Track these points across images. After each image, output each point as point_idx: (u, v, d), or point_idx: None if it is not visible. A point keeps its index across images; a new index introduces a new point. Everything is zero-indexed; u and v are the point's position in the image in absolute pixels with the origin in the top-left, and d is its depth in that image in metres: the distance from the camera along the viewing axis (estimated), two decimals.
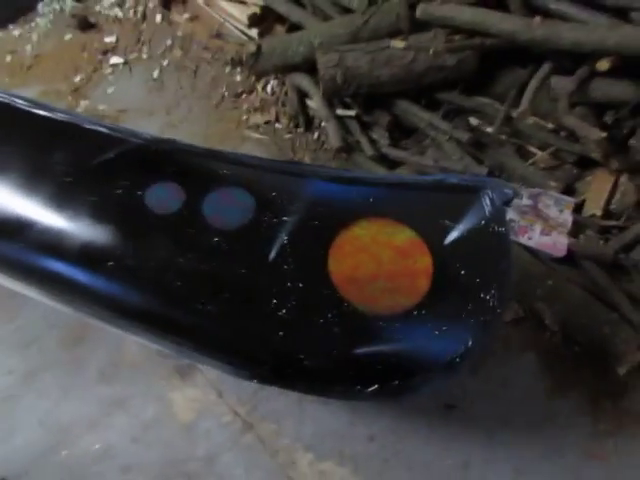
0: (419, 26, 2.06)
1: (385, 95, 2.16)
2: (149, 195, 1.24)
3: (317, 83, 2.31)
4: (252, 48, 2.29)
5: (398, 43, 1.86)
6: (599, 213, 1.78)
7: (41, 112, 1.38)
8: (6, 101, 1.36)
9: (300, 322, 1.10)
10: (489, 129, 2.05)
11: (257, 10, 2.55)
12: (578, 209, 1.83)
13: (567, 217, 1.78)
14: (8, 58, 3.15)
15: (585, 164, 1.90)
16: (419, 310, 1.06)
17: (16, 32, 3.29)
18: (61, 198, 1.24)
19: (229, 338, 1.11)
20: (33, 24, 3.32)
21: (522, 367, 1.65)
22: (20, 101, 1.37)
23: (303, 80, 2.32)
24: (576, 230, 1.78)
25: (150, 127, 2.64)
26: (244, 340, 1.10)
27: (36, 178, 1.28)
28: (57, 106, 1.40)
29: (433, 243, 1.12)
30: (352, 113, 2.16)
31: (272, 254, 1.11)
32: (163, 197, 1.23)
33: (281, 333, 1.07)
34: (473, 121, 2.13)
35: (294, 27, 2.65)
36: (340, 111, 2.21)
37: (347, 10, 2.18)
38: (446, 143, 2.10)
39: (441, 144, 2.13)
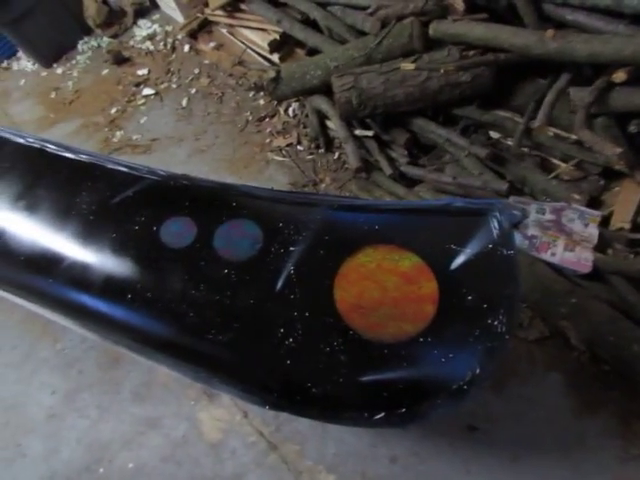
0: (432, 44, 2.07)
1: (402, 114, 2.17)
2: (164, 230, 1.31)
3: (335, 105, 2.35)
4: (272, 74, 2.36)
5: (408, 65, 1.87)
6: (627, 226, 1.71)
7: (68, 155, 1.47)
8: (38, 146, 1.47)
9: (307, 351, 1.13)
10: (509, 143, 2.02)
11: (277, 36, 2.63)
12: (605, 222, 1.77)
13: (592, 231, 1.73)
14: (52, 94, 3.37)
15: (611, 175, 1.84)
16: (425, 336, 1.07)
17: (59, 70, 3.53)
18: (86, 235, 1.33)
19: (240, 366, 1.15)
20: (74, 61, 3.54)
21: (548, 387, 1.61)
22: (50, 145, 1.48)
23: (322, 102, 2.37)
24: (603, 244, 1.72)
25: (180, 153, 2.77)
26: (254, 368, 1.14)
27: (64, 218, 1.37)
28: (84, 147, 1.49)
29: (439, 268, 1.12)
30: (370, 133, 2.19)
31: (279, 284, 1.15)
32: (176, 231, 1.30)
33: (289, 362, 1.09)
34: (493, 134, 2.11)
35: (313, 51, 2.72)
36: (358, 131, 2.24)
37: (361, 33, 2.21)
38: (465, 159, 2.09)
39: (460, 160, 2.12)
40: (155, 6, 3.54)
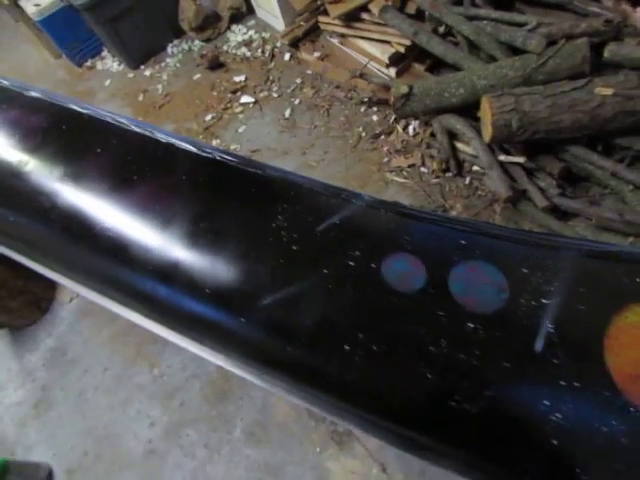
0: (602, 67, 1.87)
1: (555, 141, 1.96)
2: (386, 268, 1.09)
3: (472, 126, 2.15)
4: (404, 89, 2.18)
5: (605, 90, 1.66)
6: None
7: (252, 170, 1.28)
8: (217, 158, 1.28)
9: (578, 429, 0.90)
10: None
11: (402, 49, 2.45)
12: None
13: None
14: (140, 97, 3.25)
15: None
16: None
17: (147, 72, 3.41)
18: (291, 270, 1.12)
19: (491, 443, 0.93)
20: (163, 64, 3.42)
21: None
22: (230, 158, 1.29)
23: (457, 122, 2.17)
24: None
25: (285, 167, 2.58)
26: (509, 447, 0.92)
27: (259, 246, 1.16)
28: (268, 163, 1.29)
29: None
30: (520, 160, 1.98)
31: (538, 345, 0.93)
32: (402, 271, 1.08)
33: (555, 441, 0.87)
34: None
35: (434, 67, 2.53)
36: (503, 157, 2.03)
37: (515, 51, 2.02)
38: (629, 194, 1.87)
39: (622, 195, 1.89)
40: (250, 12, 3.41)
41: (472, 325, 0.99)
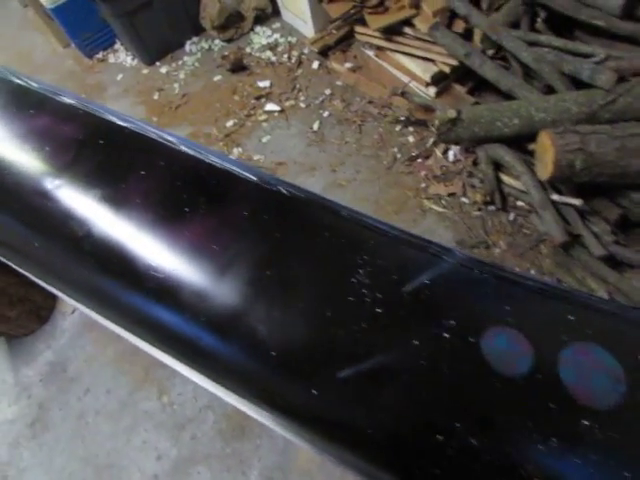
0: None
1: (615, 184, 1.84)
2: (486, 345, 0.92)
3: (523, 160, 2.03)
4: (452, 114, 2.04)
5: None
6: None
7: (325, 209, 1.11)
8: (284, 192, 1.10)
9: None
10: None
11: (447, 69, 2.32)
12: None
13: None
14: (156, 96, 3.06)
15: None
16: None
17: (163, 69, 3.21)
18: (376, 337, 0.95)
19: None
20: (180, 62, 3.23)
21: None
22: (298, 193, 1.12)
23: (506, 155, 2.04)
24: None
25: (313, 184, 2.44)
26: None
27: (337, 306, 0.98)
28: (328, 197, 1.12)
29: None
30: (576, 202, 1.85)
31: None
32: (505, 350, 0.91)
33: None
34: None
35: (475, 90, 2.41)
36: (557, 197, 1.91)
37: (578, 84, 1.90)
38: None
39: None
40: (276, 14, 3.24)
41: (587, 423, 0.84)
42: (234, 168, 1.22)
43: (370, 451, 0.90)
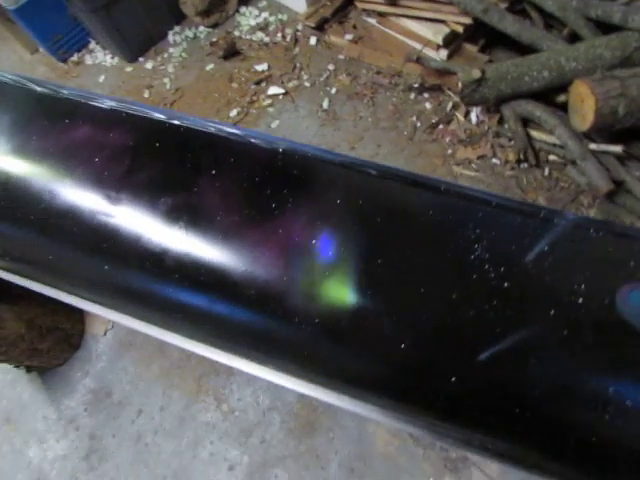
0: None
1: None
2: (622, 304, 0.88)
3: (555, 113, 1.99)
4: (476, 74, 1.97)
5: None
6: None
7: (419, 186, 1.04)
8: (373, 173, 1.03)
9: None
10: None
11: (460, 29, 2.23)
12: None
13: None
14: (146, 94, 2.89)
15: None
16: None
17: (149, 65, 3.03)
18: (511, 313, 0.90)
19: None
20: (166, 55, 3.05)
21: None
22: (391, 172, 1.04)
23: (536, 109, 2.00)
24: None
25: None
26: None
27: (466, 284, 0.93)
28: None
29: None
30: (617, 149, 1.82)
31: None
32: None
33: None
34: None
35: (485, 48, 2.34)
36: (595, 146, 1.88)
37: (605, 29, 1.84)
38: None
39: None
40: None
41: None
42: (310, 152, 1.12)
43: (522, 433, 0.85)
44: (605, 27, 1.85)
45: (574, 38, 1.94)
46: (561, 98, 1.98)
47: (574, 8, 1.86)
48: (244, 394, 1.97)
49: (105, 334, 2.28)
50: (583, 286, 0.91)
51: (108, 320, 2.28)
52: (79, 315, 2.30)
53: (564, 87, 1.92)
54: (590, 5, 1.83)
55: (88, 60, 3.21)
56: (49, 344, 2.12)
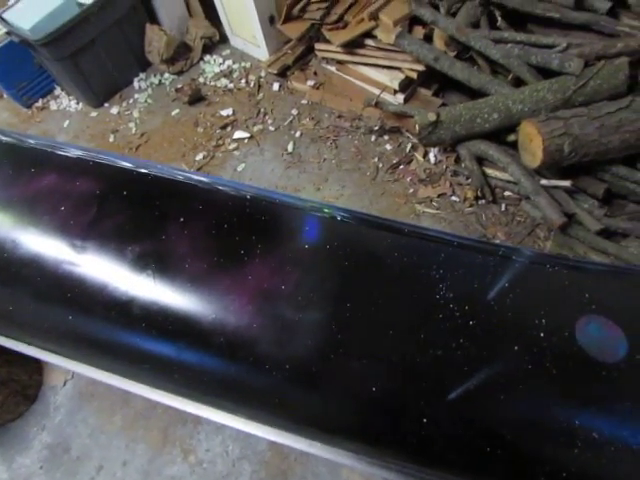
0: (634, 86, 1.89)
1: (597, 162, 1.94)
2: (581, 335, 0.94)
3: (506, 152, 2.10)
4: (432, 117, 2.08)
5: None
6: None
7: (383, 229, 1.09)
8: (339, 218, 1.08)
9: None
10: None
11: (414, 75, 2.37)
12: None
13: None
14: (111, 138, 2.89)
15: None
16: None
17: (114, 110, 3.05)
18: (477, 350, 0.94)
19: None
20: (131, 100, 3.09)
21: None
22: (350, 216, 1.09)
23: (489, 149, 2.11)
24: None
25: None
26: None
27: (431, 324, 0.97)
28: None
29: None
30: (566, 184, 1.94)
31: None
32: (599, 337, 0.93)
33: None
34: None
35: (438, 92, 2.48)
36: (546, 182, 1.99)
37: (545, 73, 1.99)
38: None
39: None
40: (223, 41, 3.18)
41: None
42: (277, 198, 1.15)
43: (493, 468, 0.86)
44: (545, 72, 2.00)
45: (519, 82, 2.08)
46: (511, 137, 2.10)
47: (516, 55, 2.00)
48: (212, 444, 1.90)
49: (65, 385, 2.18)
50: (544, 320, 0.94)
51: (68, 370, 2.18)
52: (36, 365, 2.19)
53: (513, 127, 2.04)
54: (530, 52, 1.98)
55: (53, 106, 3.21)
56: (2, 397, 2.00)
